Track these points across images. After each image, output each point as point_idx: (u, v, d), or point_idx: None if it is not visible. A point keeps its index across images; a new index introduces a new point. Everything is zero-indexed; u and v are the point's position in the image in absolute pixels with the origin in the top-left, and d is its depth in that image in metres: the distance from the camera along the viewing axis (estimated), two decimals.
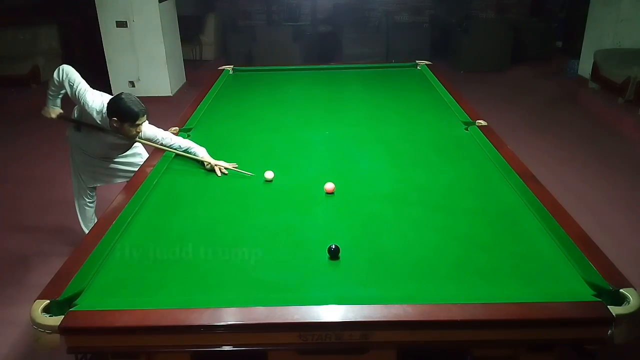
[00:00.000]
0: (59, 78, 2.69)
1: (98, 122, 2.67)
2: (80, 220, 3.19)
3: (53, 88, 2.76)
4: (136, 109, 2.53)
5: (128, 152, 2.99)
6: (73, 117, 2.85)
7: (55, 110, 2.84)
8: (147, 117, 2.61)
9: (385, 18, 8.44)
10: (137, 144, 2.88)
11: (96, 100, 2.66)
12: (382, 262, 1.83)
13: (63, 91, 2.75)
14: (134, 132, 2.61)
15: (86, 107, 2.65)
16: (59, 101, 2.85)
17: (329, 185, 2.29)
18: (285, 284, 1.71)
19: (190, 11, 8.10)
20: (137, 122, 2.56)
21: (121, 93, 2.59)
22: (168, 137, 2.70)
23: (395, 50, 7.90)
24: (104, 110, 2.62)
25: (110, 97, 2.69)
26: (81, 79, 2.70)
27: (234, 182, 2.49)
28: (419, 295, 1.61)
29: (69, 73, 2.68)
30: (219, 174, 2.54)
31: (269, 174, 2.44)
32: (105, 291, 1.68)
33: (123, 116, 2.53)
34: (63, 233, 3.59)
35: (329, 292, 1.65)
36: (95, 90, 2.72)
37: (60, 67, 2.71)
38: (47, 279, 1.70)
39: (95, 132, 2.76)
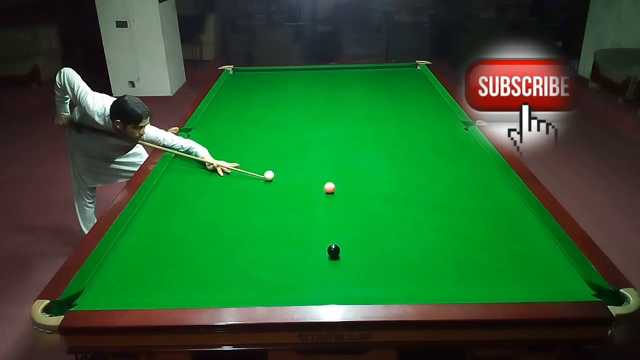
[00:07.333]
0: (60, 81, 2.67)
1: (100, 124, 2.67)
2: (80, 221, 3.19)
3: (58, 93, 2.75)
4: (139, 111, 2.53)
5: (129, 152, 2.99)
6: (75, 119, 2.84)
7: (65, 117, 2.85)
8: (150, 119, 2.61)
9: (385, 18, 8.43)
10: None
11: (97, 103, 2.65)
12: (382, 262, 1.82)
13: (67, 96, 2.74)
14: (137, 135, 2.61)
15: (87, 110, 2.64)
16: (67, 107, 2.84)
17: (329, 185, 2.29)
18: (285, 284, 1.71)
19: (190, 11, 8.09)
20: (140, 125, 2.56)
21: (124, 95, 2.59)
22: (170, 138, 2.70)
23: (395, 50, 7.89)
24: (106, 113, 2.62)
25: (111, 98, 2.68)
26: (82, 82, 2.69)
27: (234, 182, 2.49)
28: (419, 295, 1.61)
29: (70, 76, 2.67)
30: (221, 174, 2.54)
31: (269, 174, 2.44)
32: (105, 291, 1.68)
33: (126, 119, 2.53)
34: (63, 233, 3.59)
35: (328, 292, 1.65)
36: (96, 93, 2.71)
37: (62, 70, 2.69)
38: (48, 279, 1.70)
39: (96, 134, 2.76)
